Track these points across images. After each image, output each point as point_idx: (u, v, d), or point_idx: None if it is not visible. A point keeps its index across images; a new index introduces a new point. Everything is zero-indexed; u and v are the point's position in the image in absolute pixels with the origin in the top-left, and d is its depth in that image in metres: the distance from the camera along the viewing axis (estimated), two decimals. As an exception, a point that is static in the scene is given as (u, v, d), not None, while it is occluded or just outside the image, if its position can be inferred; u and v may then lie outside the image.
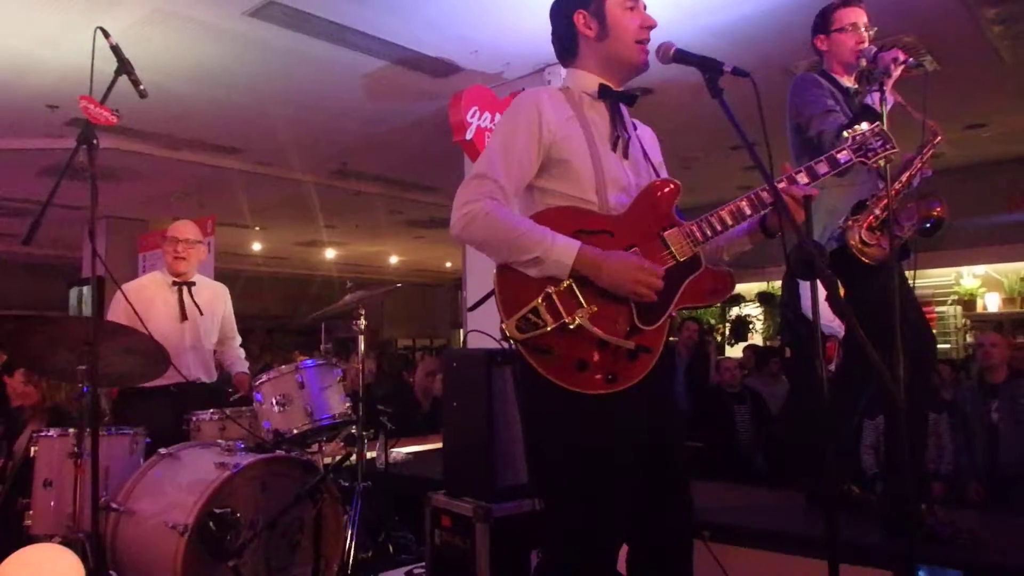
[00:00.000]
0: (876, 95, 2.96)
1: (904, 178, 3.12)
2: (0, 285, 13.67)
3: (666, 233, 2.05)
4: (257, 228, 12.22)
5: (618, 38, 2.11)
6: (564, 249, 1.91)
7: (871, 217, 3.07)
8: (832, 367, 3.60)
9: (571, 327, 1.90)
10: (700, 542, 2.92)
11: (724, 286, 2.11)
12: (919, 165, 3.14)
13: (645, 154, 2.23)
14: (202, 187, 9.18)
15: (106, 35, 2.82)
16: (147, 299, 4.07)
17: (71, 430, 3.25)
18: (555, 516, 2.03)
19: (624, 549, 2.13)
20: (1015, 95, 6.65)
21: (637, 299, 1.94)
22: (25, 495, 3.39)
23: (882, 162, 2.20)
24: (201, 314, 4.24)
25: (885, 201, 2.98)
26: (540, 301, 1.91)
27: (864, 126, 2.18)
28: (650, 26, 2.12)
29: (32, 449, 3.41)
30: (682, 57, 2.05)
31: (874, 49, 3.07)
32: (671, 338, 2.07)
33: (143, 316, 3.60)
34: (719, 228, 2.05)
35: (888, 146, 2.16)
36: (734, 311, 11.18)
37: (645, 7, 2.16)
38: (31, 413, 4.92)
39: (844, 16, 3.24)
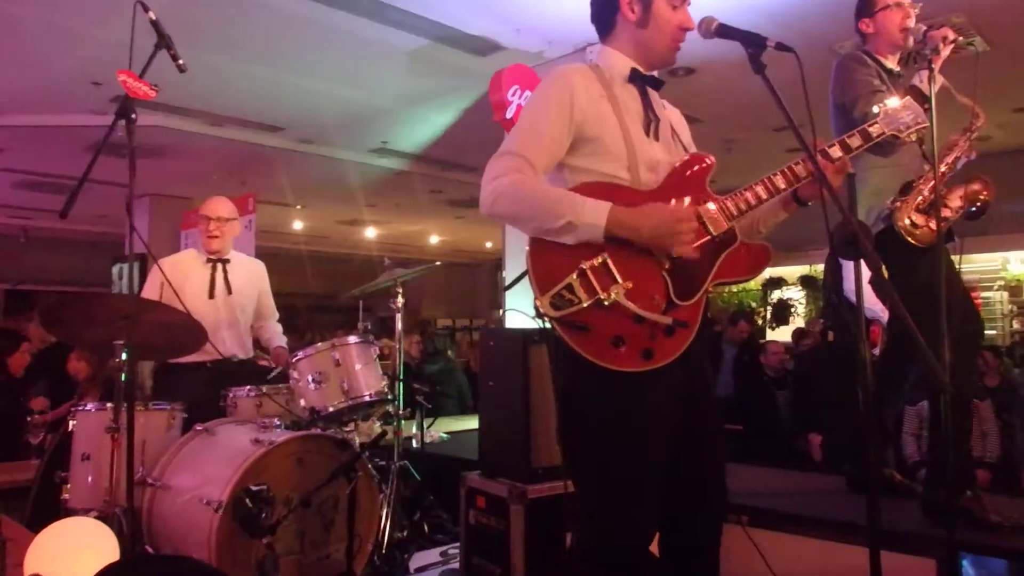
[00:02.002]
0: (924, 74, 2.93)
1: (950, 160, 3.11)
2: (48, 261, 13.93)
3: (700, 208, 2.01)
4: (298, 206, 12.29)
5: (657, 31, 2.09)
6: (595, 211, 1.88)
7: (919, 199, 3.04)
8: (876, 351, 3.56)
9: (606, 303, 1.87)
10: (738, 527, 2.89)
11: (761, 260, 2.09)
12: (964, 146, 3.13)
13: (675, 134, 2.22)
14: (244, 165, 9.24)
15: (145, 9, 2.82)
16: (182, 274, 4.08)
17: (109, 404, 3.27)
18: (588, 497, 2.01)
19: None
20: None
21: (677, 251, 1.90)
22: (63, 469, 3.41)
23: (914, 136, 2.19)
24: (230, 293, 4.20)
25: (932, 182, 2.95)
26: (575, 277, 1.88)
27: (895, 101, 2.18)
28: (688, 28, 2.11)
29: (71, 423, 3.44)
30: (725, 32, 2.02)
31: (924, 27, 3.05)
32: (716, 327, 2.04)
33: (178, 291, 3.61)
34: (753, 203, 2.04)
35: (919, 120, 2.16)
36: (775, 294, 11.08)
37: (690, 3, 2.13)
38: (85, 387, 5.02)
39: None
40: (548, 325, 1.91)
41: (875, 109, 2.18)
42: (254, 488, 3.04)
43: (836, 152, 2.08)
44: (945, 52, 2.95)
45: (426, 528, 4.34)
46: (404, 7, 5.12)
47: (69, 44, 5.61)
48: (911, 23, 3.11)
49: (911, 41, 3.12)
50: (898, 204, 3.05)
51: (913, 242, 3.01)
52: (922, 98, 2.80)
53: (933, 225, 2.98)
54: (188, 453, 3.39)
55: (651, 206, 1.93)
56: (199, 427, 3.47)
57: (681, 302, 1.94)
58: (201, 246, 4.31)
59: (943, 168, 3.07)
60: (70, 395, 5.51)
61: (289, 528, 3.17)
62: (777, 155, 8.21)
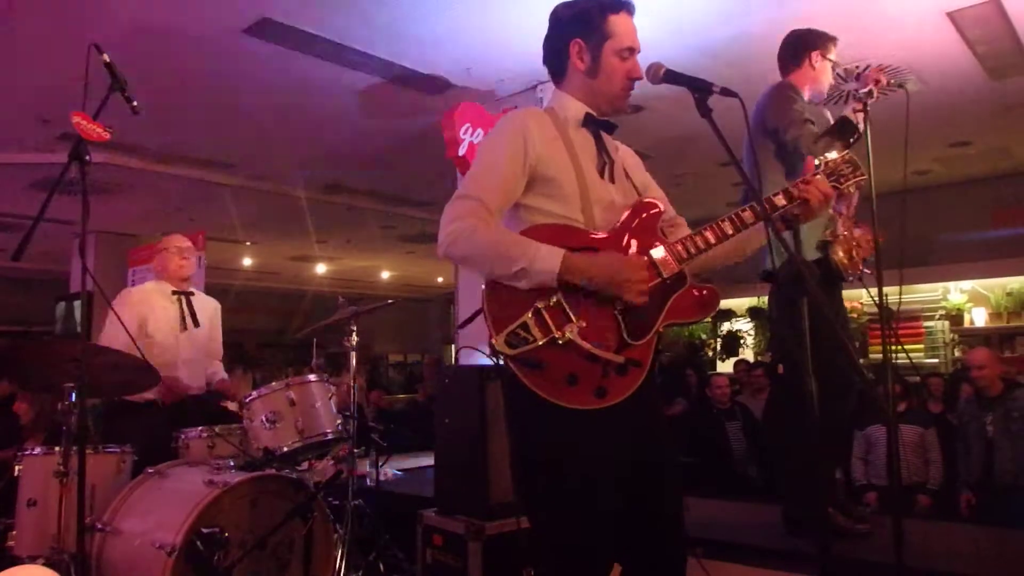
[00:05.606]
0: (859, 115, 3.09)
1: (854, 202, 3.30)
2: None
3: (652, 251, 2.07)
4: (248, 243, 12.17)
5: (606, 81, 2.16)
6: (549, 257, 1.91)
7: (841, 236, 3.24)
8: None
9: (561, 342, 1.90)
10: (693, 559, 2.93)
11: (709, 303, 2.13)
12: (854, 192, 3.32)
13: (627, 176, 2.27)
14: (193, 202, 9.13)
15: (100, 51, 2.80)
16: (148, 307, 4.06)
17: (57, 448, 3.20)
18: (546, 534, 2.01)
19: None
20: (998, 114, 6.79)
21: (627, 299, 1.94)
22: (7, 515, 3.32)
23: (853, 188, 2.26)
24: (197, 325, 4.22)
25: (846, 222, 3.22)
26: (529, 316, 1.91)
27: (835, 154, 2.26)
28: (637, 78, 2.17)
29: (16, 468, 3.34)
30: (672, 77, 2.08)
31: (858, 69, 3.26)
32: (664, 354, 2.08)
33: (143, 324, 3.57)
34: (703, 247, 2.09)
35: (858, 172, 2.24)
36: (725, 326, 11.21)
37: (639, 51, 2.18)
38: (29, 430, 4.88)
39: (822, 52, 3.39)
40: (503, 363, 1.94)
41: (816, 162, 2.26)
42: (207, 531, 3.00)
43: (780, 201, 2.14)
44: (878, 94, 3.11)
45: (382, 568, 4.27)
46: (358, 47, 5.15)
47: (15, 81, 5.53)
48: (841, 72, 3.34)
49: (850, 84, 3.30)
50: (831, 239, 3.23)
51: (844, 273, 3.21)
52: (852, 129, 2.99)
53: (848, 259, 3.23)
54: (139, 496, 3.32)
55: (604, 254, 1.98)
56: (150, 470, 3.41)
57: (633, 341, 1.97)
58: (164, 279, 4.28)
59: (850, 211, 3.29)
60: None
61: (244, 571, 3.11)
62: (724, 189, 8.40)
